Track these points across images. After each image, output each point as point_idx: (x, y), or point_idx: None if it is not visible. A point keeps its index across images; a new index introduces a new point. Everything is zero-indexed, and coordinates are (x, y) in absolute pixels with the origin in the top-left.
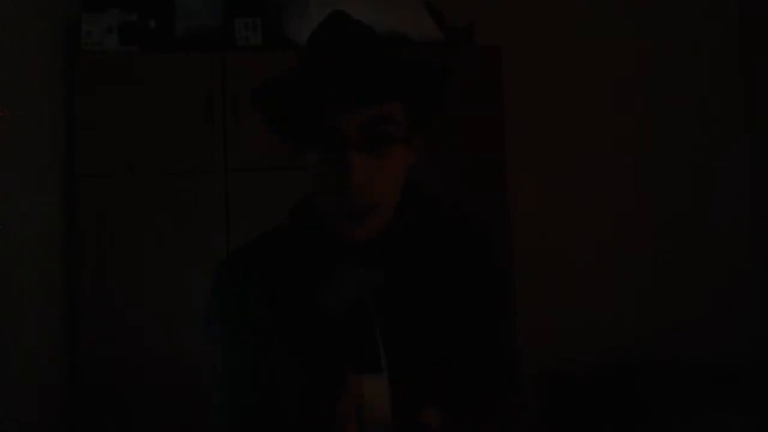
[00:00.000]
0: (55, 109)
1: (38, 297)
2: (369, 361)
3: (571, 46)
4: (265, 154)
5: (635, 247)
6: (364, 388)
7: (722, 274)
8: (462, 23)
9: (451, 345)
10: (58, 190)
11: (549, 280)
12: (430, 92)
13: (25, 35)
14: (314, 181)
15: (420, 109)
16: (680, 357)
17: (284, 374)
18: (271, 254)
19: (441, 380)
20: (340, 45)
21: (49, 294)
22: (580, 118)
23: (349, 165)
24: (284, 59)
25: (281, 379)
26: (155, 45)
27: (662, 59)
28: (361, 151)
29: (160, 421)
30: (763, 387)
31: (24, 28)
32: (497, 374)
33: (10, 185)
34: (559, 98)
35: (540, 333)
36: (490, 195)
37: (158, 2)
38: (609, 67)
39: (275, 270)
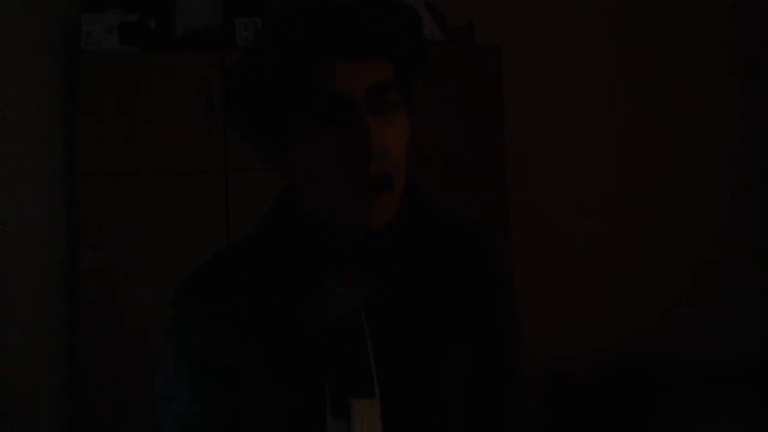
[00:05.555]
0: (55, 109)
1: (38, 297)
2: (360, 384)
3: (571, 46)
4: None
5: (635, 247)
6: (353, 413)
7: (723, 275)
8: (462, 23)
9: (453, 368)
10: (58, 190)
11: (549, 280)
12: (418, 49)
13: (25, 35)
14: (303, 167)
15: (407, 71)
16: (681, 357)
17: (264, 406)
18: (239, 270)
19: (440, 407)
20: None
21: (49, 294)
22: (579, 118)
23: (366, 127)
24: None
25: (261, 413)
26: (155, 45)
27: (662, 59)
28: (372, 114)
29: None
30: (763, 387)
31: (24, 28)
32: (509, 405)
33: (10, 185)
34: (559, 98)
35: (540, 333)
36: (490, 195)
37: (158, 2)
38: (609, 67)
39: (246, 288)
